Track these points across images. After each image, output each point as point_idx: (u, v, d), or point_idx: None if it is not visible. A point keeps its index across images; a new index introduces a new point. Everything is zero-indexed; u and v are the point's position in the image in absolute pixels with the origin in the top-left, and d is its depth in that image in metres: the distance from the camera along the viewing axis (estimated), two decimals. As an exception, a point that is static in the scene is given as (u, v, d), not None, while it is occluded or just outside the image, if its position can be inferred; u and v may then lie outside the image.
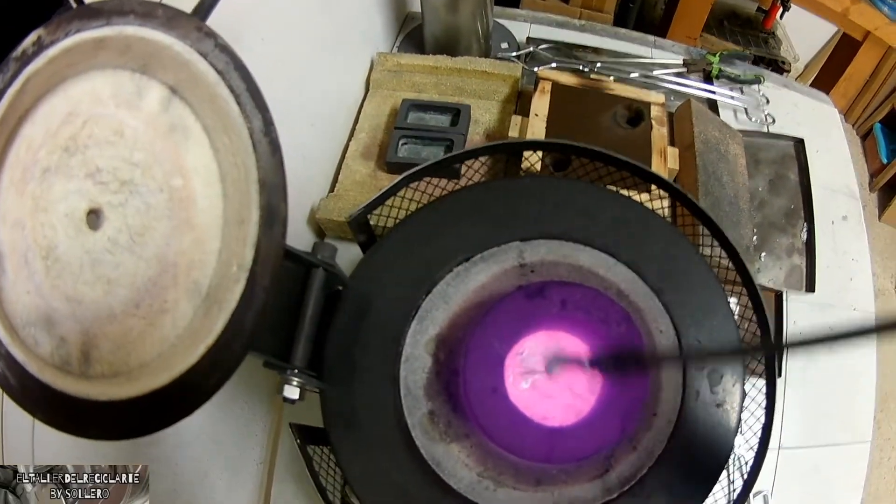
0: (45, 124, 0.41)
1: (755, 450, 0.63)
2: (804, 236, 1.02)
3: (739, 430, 0.77)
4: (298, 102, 0.87)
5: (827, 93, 1.26)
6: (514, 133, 0.92)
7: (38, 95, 0.41)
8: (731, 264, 0.65)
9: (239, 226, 0.38)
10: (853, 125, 2.50)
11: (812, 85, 1.39)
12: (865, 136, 2.47)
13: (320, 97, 0.94)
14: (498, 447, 0.56)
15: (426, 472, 0.56)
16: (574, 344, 0.58)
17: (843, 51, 2.00)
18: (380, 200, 0.66)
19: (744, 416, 0.74)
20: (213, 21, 0.60)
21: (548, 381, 0.58)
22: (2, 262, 0.42)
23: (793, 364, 0.95)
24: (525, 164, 0.84)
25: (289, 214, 0.41)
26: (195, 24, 0.39)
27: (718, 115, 1.07)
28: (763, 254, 1.00)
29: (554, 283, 0.58)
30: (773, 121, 1.11)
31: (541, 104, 0.94)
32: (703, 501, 0.58)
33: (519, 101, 1.02)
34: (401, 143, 0.92)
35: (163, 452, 0.77)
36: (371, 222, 0.72)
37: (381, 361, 0.59)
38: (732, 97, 1.11)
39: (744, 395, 0.61)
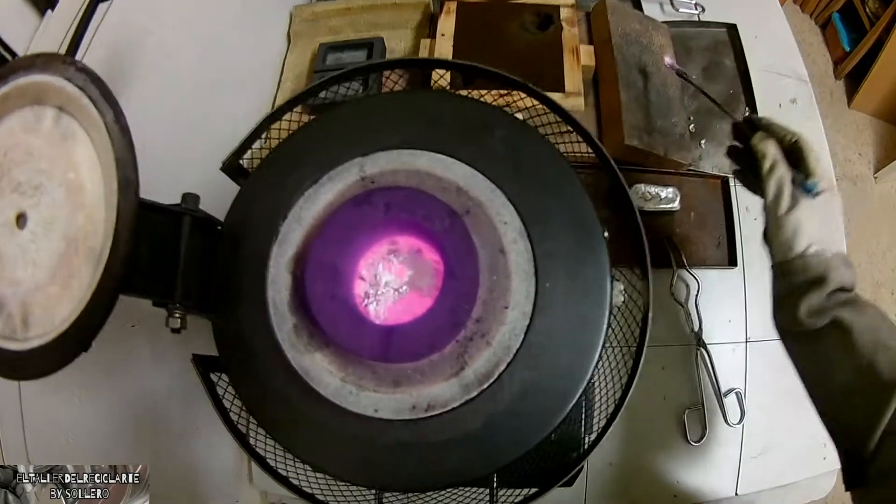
0: None
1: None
2: (747, 121, 0.99)
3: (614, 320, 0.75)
4: (225, 69, 0.98)
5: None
6: (423, 55, 0.97)
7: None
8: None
9: (111, 196, 0.48)
10: (811, 15, 2.56)
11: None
12: (825, 26, 2.54)
13: (245, 60, 1.04)
14: (344, 350, 0.60)
15: (298, 382, 0.61)
16: (403, 243, 0.61)
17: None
18: (246, 145, 0.71)
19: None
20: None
21: (383, 284, 0.61)
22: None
23: (749, 252, 0.93)
24: (441, 83, 0.89)
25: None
26: (61, 59, 0.52)
27: (642, 9, 1.07)
28: (703, 140, 1.00)
29: (378, 190, 0.62)
30: (703, 10, 1.12)
31: (447, 24, 0.99)
32: (573, 399, 0.58)
33: (431, 26, 1.08)
34: (321, 85, 0.97)
35: (143, 417, 0.86)
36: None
37: (253, 285, 0.64)
38: (657, -11, 1.10)
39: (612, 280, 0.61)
